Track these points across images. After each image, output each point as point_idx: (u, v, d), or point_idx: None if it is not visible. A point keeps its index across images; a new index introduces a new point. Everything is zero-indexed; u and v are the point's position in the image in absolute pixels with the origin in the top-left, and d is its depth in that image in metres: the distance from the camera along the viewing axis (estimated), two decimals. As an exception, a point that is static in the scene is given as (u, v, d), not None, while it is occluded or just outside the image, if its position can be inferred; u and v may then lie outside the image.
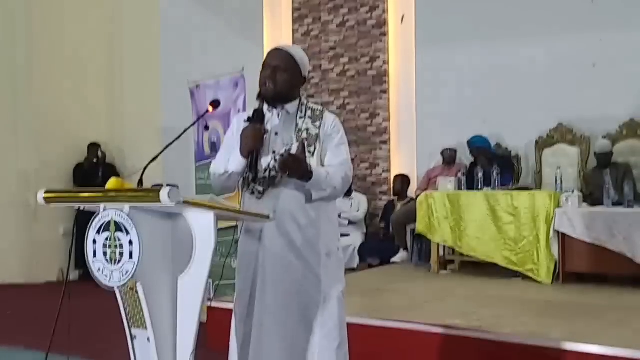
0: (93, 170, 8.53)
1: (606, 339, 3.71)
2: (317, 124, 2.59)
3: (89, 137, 8.73)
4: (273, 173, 2.50)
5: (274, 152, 2.53)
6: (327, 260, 2.55)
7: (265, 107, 2.61)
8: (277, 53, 2.59)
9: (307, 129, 2.56)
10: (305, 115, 2.60)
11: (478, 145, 6.82)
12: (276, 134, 2.57)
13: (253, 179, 2.50)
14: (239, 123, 2.66)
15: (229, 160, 2.55)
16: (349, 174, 2.59)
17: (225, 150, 2.64)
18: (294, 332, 2.50)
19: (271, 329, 2.49)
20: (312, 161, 2.52)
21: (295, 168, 2.41)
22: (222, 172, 2.56)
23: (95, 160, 8.63)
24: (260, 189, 2.51)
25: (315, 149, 2.54)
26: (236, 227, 2.60)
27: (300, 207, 2.52)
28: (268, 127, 2.55)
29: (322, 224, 2.56)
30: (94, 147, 8.67)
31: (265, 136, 2.51)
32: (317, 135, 2.56)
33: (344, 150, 2.62)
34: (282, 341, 2.49)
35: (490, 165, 6.52)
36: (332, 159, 2.57)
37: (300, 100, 2.64)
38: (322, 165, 2.57)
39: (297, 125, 2.58)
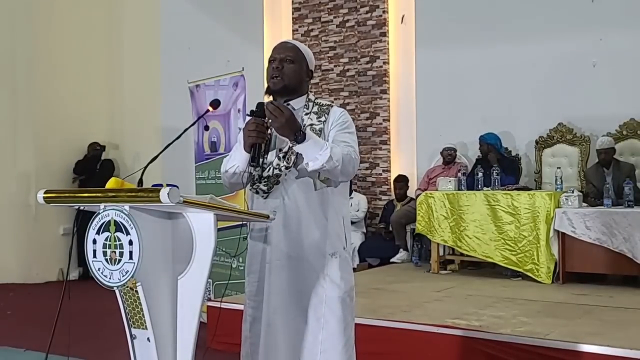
0: (92, 163, 8.66)
1: (606, 339, 3.72)
2: (322, 118, 2.54)
3: (89, 137, 8.74)
4: (277, 171, 2.47)
5: (280, 149, 2.49)
6: (331, 260, 2.51)
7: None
8: (283, 45, 2.57)
9: (312, 125, 2.51)
10: (311, 111, 2.56)
11: (489, 142, 6.82)
12: None
13: (258, 178, 2.48)
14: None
15: (233, 155, 2.54)
16: (353, 156, 2.45)
17: (235, 149, 2.62)
18: (299, 332, 2.49)
19: (278, 330, 2.48)
20: None
21: (277, 113, 2.31)
22: (227, 168, 2.54)
23: (97, 155, 8.74)
24: (265, 188, 2.48)
25: None
26: (242, 225, 2.58)
27: (306, 205, 2.48)
28: None
29: (330, 222, 2.51)
30: (94, 144, 8.77)
31: (268, 131, 2.45)
32: (321, 130, 2.51)
33: (349, 138, 2.51)
34: (288, 341, 2.48)
35: (498, 163, 6.54)
36: (337, 141, 2.48)
37: (308, 96, 2.60)
38: None
39: (303, 121, 2.52)
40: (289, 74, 2.52)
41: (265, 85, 2.59)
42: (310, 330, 2.49)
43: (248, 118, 2.50)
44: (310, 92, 2.66)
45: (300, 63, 2.55)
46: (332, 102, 2.67)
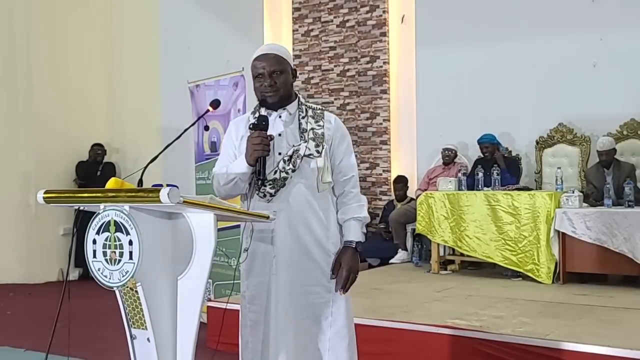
0: (93, 167, 8.62)
1: (606, 339, 3.72)
2: (320, 123, 2.58)
3: (89, 137, 8.74)
4: (284, 174, 2.49)
5: (279, 153, 2.52)
6: (335, 258, 2.57)
7: (265, 110, 2.59)
8: (266, 59, 2.53)
9: (312, 129, 2.56)
10: (307, 114, 2.59)
11: (493, 142, 6.82)
12: (279, 135, 2.55)
13: (262, 183, 2.49)
14: (237, 128, 2.63)
15: (232, 167, 2.53)
16: (358, 180, 2.69)
17: (226, 158, 2.61)
18: (307, 331, 2.52)
19: (289, 332, 2.50)
20: (320, 161, 2.51)
21: (356, 269, 2.57)
22: (226, 180, 2.53)
23: (99, 159, 8.72)
24: (272, 191, 2.50)
25: (322, 148, 2.53)
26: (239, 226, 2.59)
27: (310, 208, 2.52)
28: (272, 130, 2.53)
29: (331, 224, 2.58)
30: (96, 146, 8.75)
31: (271, 141, 2.49)
32: (323, 135, 2.56)
33: (353, 158, 2.68)
34: (296, 341, 2.50)
35: (504, 161, 6.55)
36: (346, 166, 2.62)
37: (299, 99, 2.63)
38: (331, 163, 2.57)
39: (300, 124, 2.56)
40: (281, 86, 2.54)
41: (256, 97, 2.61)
42: (321, 328, 2.54)
43: (244, 130, 2.55)
44: (298, 93, 2.68)
45: (287, 69, 2.57)
46: (321, 105, 2.72)
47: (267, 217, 2.35)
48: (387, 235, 7.50)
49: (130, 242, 2.04)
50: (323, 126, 2.58)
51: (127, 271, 2.04)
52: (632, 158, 6.43)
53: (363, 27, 8.09)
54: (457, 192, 6.36)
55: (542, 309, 4.70)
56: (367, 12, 8.06)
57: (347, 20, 8.18)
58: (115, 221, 2.06)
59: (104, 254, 2.09)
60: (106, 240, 2.08)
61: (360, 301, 4.68)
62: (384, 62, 7.97)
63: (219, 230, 2.14)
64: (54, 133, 8.40)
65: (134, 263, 2.03)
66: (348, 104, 8.18)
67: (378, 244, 7.53)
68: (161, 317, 2.14)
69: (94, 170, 8.56)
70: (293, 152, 2.50)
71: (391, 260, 7.15)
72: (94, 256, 2.11)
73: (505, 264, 5.99)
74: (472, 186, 6.41)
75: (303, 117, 2.58)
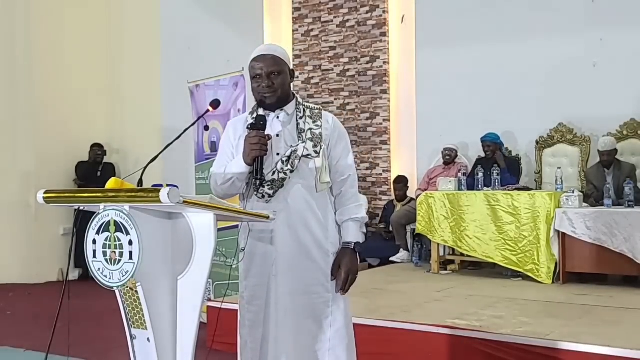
0: (93, 168, 8.61)
1: (606, 339, 3.72)
2: (318, 123, 2.58)
3: (89, 137, 8.73)
4: (282, 175, 2.49)
5: (277, 154, 2.52)
6: (334, 259, 2.57)
7: (263, 111, 2.60)
8: (264, 59, 2.53)
9: (310, 129, 2.55)
10: (304, 115, 2.59)
11: (496, 142, 6.82)
12: (277, 135, 2.55)
13: (261, 183, 2.49)
14: (234, 128, 2.64)
15: (230, 167, 2.53)
16: (356, 180, 2.67)
17: (224, 157, 2.61)
18: (308, 332, 2.53)
19: (290, 332, 2.50)
20: (318, 161, 2.51)
21: (355, 270, 2.56)
22: (223, 180, 2.53)
23: (99, 160, 8.70)
24: (271, 192, 2.50)
25: (320, 148, 2.53)
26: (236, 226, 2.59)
27: (309, 208, 2.53)
28: (270, 131, 2.53)
29: (330, 224, 2.58)
30: (96, 147, 8.73)
31: (269, 142, 2.49)
32: (321, 135, 2.56)
33: (352, 158, 2.67)
34: (297, 342, 2.51)
35: (505, 161, 6.55)
36: (344, 166, 2.61)
37: (297, 100, 2.63)
38: (328, 162, 2.57)
39: (298, 125, 2.56)
40: (279, 86, 2.54)
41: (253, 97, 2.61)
42: (321, 328, 2.54)
43: (241, 130, 2.56)
44: (295, 93, 2.68)
45: (285, 70, 2.56)
46: (319, 105, 2.72)
47: (267, 217, 2.35)
48: (387, 235, 7.51)
49: (130, 242, 2.04)
50: (321, 126, 2.57)
51: (127, 271, 2.04)
52: (632, 158, 6.43)
53: (363, 27, 8.09)
54: (457, 192, 6.36)
55: (542, 309, 4.70)
56: (367, 12, 8.06)
57: (347, 20, 8.18)
58: (115, 221, 2.06)
59: (104, 254, 2.09)
60: (106, 240, 2.08)
61: (360, 301, 4.69)
62: (384, 62, 7.97)
63: (218, 230, 2.14)
64: (54, 133, 8.39)
65: (134, 263, 2.03)
66: (348, 104, 8.18)
67: (378, 244, 7.53)
68: (161, 317, 2.14)
69: (94, 171, 8.56)
70: (291, 153, 2.50)
71: (392, 258, 7.14)
72: (94, 256, 2.11)
73: (505, 264, 5.99)
74: (472, 186, 6.41)
75: (301, 118, 2.58)
